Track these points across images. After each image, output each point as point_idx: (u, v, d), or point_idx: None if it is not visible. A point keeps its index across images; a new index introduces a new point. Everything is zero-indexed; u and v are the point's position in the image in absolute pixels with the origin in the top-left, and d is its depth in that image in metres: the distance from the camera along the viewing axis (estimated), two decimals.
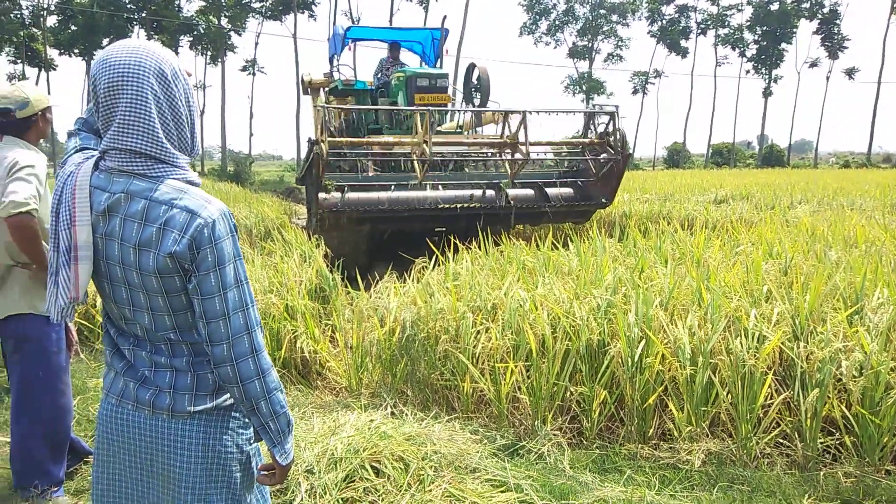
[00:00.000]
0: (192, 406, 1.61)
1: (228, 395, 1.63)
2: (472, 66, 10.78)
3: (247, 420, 1.67)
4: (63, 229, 1.53)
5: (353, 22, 42.50)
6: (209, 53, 42.44)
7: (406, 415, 3.46)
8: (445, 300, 4.08)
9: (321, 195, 7.10)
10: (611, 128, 8.18)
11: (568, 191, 8.50)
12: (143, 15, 39.02)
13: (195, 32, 40.08)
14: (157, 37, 38.47)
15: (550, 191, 8.34)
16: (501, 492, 2.87)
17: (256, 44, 45.78)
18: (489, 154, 8.84)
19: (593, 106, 53.32)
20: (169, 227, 1.47)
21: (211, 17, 40.22)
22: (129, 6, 39.64)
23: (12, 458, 3.14)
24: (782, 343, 3.38)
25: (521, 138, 7.75)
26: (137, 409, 1.62)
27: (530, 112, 7.82)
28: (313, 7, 43.55)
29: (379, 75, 11.05)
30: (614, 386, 3.57)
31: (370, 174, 8.24)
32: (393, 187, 7.71)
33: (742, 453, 3.16)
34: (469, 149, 8.98)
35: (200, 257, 1.50)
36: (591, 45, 53.78)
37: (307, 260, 5.76)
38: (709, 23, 53.35)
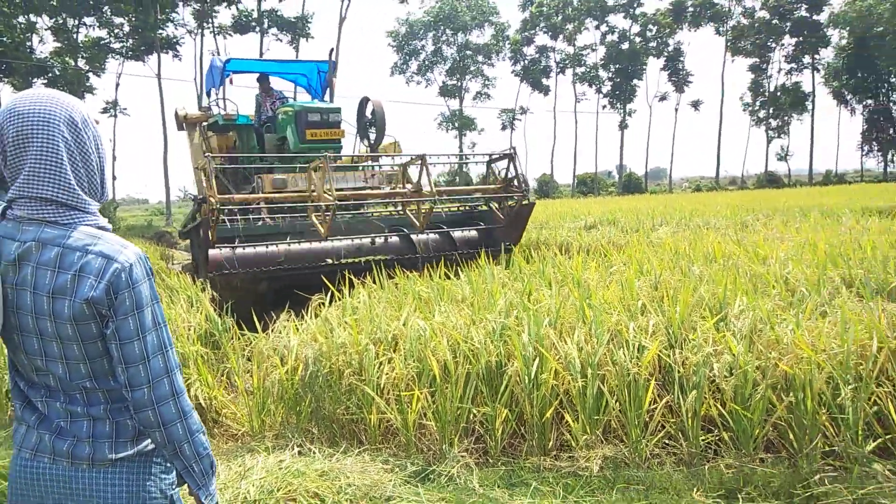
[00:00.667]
0: (112, 454, 1.59)
1: (149, 440, 1.62)
2: (365, 100, 10.43)
3: (168, 465, 1.67)
4: None
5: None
6: None
7: (314, 452, 3.47)
8: (346, 334, 4.13)
9: (211, 252, 6.50)
10: (511, 172, 8.19)
11: (473, 234, 8.33)
12: None
13: (50, 74, 37.71)
14: (6, 80, 35.86)
15: (455, 234, 8.17)
16: None
17: (118, 84, 43.68)
18: (392, 199, 8.21)
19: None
20: (84, 273, 1.47)
21: (67, 59, 38.07)
22: None
23: None
24: (660, 351, 3.70)
25: (425, 184, 7.53)
26: (55, 462, 1.58)
27: (430, 159, 7.65)
28: (178, 47, 42.33)
29: (261, 110, 10.59)
30: (514, 404, 3.74)
31: (264, 223, 7.76)
32: (289, 237, 7.28)
33: (634, 456, 3.41)
34: (371, 190, 8.57)
35: (118, 302, 1.50)
36: (459, 83, 55.64)
37: (194, 305, 5.60)
38: (567, 62, 56.89)
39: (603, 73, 56.60)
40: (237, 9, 42.71)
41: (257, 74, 10.77)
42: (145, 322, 1.53)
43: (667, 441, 3.52)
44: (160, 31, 41.01)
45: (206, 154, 7.55)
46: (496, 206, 8.42)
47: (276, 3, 43.26)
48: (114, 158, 45.27)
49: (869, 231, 7.58)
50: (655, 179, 76.23)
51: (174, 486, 1.69)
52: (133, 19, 40.18)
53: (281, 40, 43.72)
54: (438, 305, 4.66)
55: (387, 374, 3.83)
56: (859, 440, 3.29)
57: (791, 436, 3.36)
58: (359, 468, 3.22)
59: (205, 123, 10.44)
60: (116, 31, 40.83)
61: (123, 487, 1.60)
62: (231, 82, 10.84)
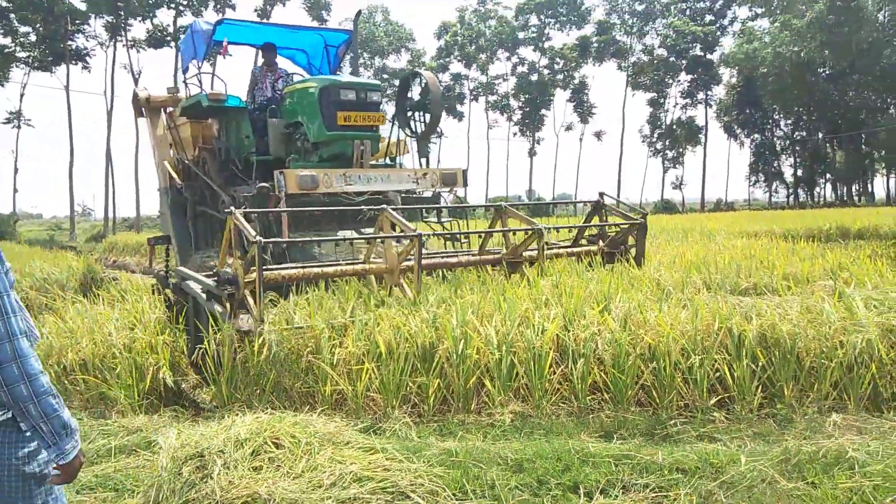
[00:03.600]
0: None
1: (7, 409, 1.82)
2: (412, 76, 8.32)
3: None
4: None
5: (134, 77, 40.91)
6: None
7: (283, 412, 4.23)
8: (304, 322, 4.92)
9: (243, 321, 4.93)
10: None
11: None
12: None
13: None
14: None
15: None
16: (371, 454, 3.77)
17: (22, 95, 42.08)
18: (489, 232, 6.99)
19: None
20: None
21: None
22: None
23: None
24: (558, 331, 4.70)
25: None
26: None
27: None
28: (87, 58, 41.34)
29: (256, 90, 8.18)
30: (443, 376, 4.64)
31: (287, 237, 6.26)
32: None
33: (537, 411, 4.37)
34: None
35: None
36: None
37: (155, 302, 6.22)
38: (480, 90, 59.03)
39: (514, 102, 59.10)
40: (152, 23, 42.17)
41: (259, 48, 8.48)
42: None
43: (562, 400, 4.50)
44: (70, 41, 40.00)
45: (195, 146, 6.47)
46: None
47: (192, 18, 42.69)
48: (15, 171, 43.58)
49: (733, 248, 8.98)
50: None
51: (41, 455, 1.88)
52: (41, 29, 39.06)
53: None
54: (384, 301, 5.50)
55: (338, 353, 4.65)
56: (704, 395, 4.37)
57: (654, 393, 4.41)
58: (322, 421, 4.01)
59: (171, 108, 8.85)
60: (22, 39, 39.55)
61: None
62: (225, 53, 8.62)
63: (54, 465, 1.87)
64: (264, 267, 5.00)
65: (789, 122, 59.01)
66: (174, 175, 8.32)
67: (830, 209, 33.58)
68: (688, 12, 56.53)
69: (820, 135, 55.92)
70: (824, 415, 4.19)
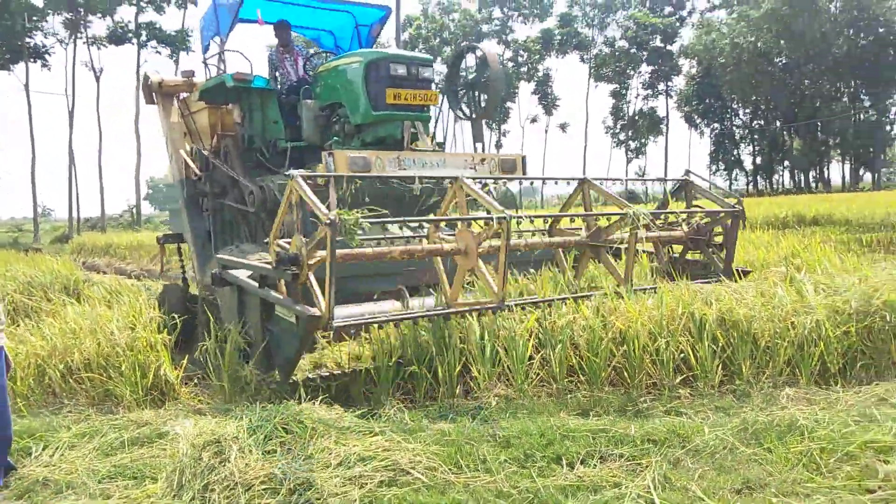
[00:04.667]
0: None
1: None
2: (467, 49, 7.89)
3: None
4: None
5: (95, 74, 40.29)
6: None
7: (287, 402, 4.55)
8: None
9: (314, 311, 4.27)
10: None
11: None
12: None
13: None
14: None
15: None
16: (371, 436, 4.11)
17: None
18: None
19: None
20: None
21: None
22: None
23: None
24: (537, 319, 5.08)
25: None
26: None
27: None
28: (46, 56, 40.58)
29: (278, 73, 7.58)
30: (430, 365, 4.99)
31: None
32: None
33: (520, 394, 4.75)
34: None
35: None
36: None
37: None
38: (443, 83, 59.26)
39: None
40: (112, 20, 41.57)
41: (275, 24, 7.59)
42: None
43: (541, 384, 4.89)
44: (28, 39, 39.23)
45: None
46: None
47: (154, 15, 42.22)
48: None
49: None
50: (528, 196, 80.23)
51: None
52: None
53: (160, 53, 42.97)
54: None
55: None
56: (670, 374, 4.80)
57: (625, 374, 4.83)
58: (323, 409, 4.34)
59: (185, 94, 8.23)
60: None
61: None
62: (261, 23, 7.59)
63: None
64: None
65: (748, 111, 60.56)
66: (192, 166, 7.69)
67: (788, 196, 34.69)
68: (647, 3, 57.54)
69: (777, 123, 57.51)
70: (778, 388, 4.66)
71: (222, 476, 3.51)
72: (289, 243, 4.67)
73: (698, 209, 6.76)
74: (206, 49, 7.77)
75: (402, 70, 6.34)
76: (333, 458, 3.80)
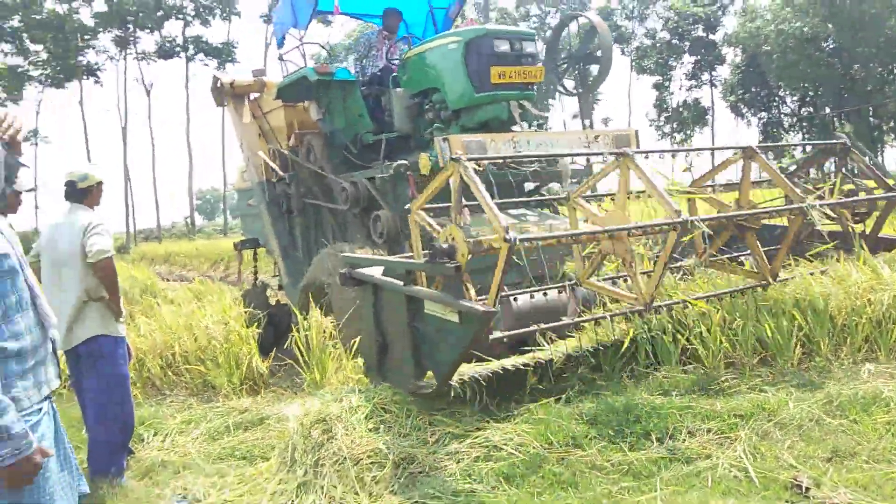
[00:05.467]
0: None
1: None
2: (570, 19, 6.09)
3: (26, 407, 2.01)
4: None
5: (146, 89, 41.53)
6: None
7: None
8: None
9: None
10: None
11: None
12: None
13: None
14: None
15: None
16: (462, 417, 4.31)
17: (38, 112, 42.89)
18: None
19: None
20: None
21: None
22: None
23: (89, 454, 3.99)
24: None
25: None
26: None
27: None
28: (98, 73, 42.08)
29: (366, 60, 7.23)
30: None
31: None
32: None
33: (601, 376, 4.89)
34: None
35: None
36: None
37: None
38: None
39: None
40: (160, 35, 42.89)
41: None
42: None
43: (625, 365, 5.02)
44: (80, 57, 40.75)
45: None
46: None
47: (201, 29, 43.45)
48: (35, 188, 44.39)
49: None
50: None
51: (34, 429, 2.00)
52: (51, 46, 39.80)
53: (208, 65, 44.18)
54: None
55: None
56: (749, 353, 4.88)
57: (700, 353, 4.90)
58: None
59: (256, 95, 8.08)
60: (33, 57, 40.33)
61: None
62: (337, 11, 7.27)
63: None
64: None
65: (795, 98, 59.10)
66: (274, 167, 7.52)
67: None
68: None
69: (827, 110, 56.02)
70: (858, 365, 4.70)
71: (331, 451, 3.77)
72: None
73: (868, 195, 5.90)
74: (280, 43, 7.54)
75: (505, 46, 6.00)
76: (430, 436, 4.03)
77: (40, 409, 2.07)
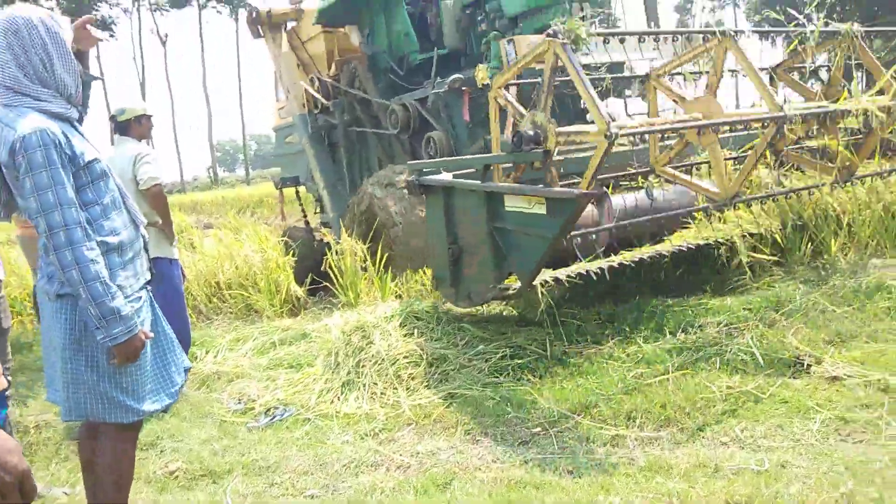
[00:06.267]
0: (58, 290, 2.07)
1: None
2: None
3: (128, 294, 2.13)
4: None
5: (161, 40, 41.52)
6: None
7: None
8: None
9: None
10: None
11: None
12: None
13: None
14: None
15: None
16: (485, 323, 4.64)
17: None
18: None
19: None
20: (1, 141, 1.97)
21: None
22: None
23: None
24: None
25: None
26: (42, 293, 2.15)
27: None
28: (113, 27, 42.01)
29: None
30: None
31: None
32: None
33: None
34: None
35: (17, 164, 1.93)
36: None
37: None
38: None
39: None
40: None
41: None
42: (40, 182, 1.90)
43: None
44: (94, 11, 40.66)
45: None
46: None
47: None
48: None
49: None
50: None
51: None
52: (63, 2, 39.72)
53: (220, 13, 43.81)
54: None
55: None
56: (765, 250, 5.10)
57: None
58: (448, 306, 4.90)
59: (294, 24, 7.80)
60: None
61: (67, 317, 2.08)
62: None
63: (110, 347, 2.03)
64: None
65: (821, 14, 57.05)
66: (317, 96, 7.26)
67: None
68: None
69: (856, 27, 54.01)
70: (865, 261, 4.91)
71: (370, 354, 4.12)
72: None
73: None
74: None
75: None
76: (460, 340, 4.37)
77: (140, 297, 2.24)
